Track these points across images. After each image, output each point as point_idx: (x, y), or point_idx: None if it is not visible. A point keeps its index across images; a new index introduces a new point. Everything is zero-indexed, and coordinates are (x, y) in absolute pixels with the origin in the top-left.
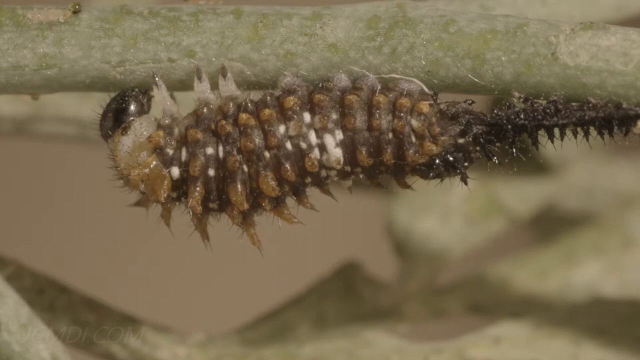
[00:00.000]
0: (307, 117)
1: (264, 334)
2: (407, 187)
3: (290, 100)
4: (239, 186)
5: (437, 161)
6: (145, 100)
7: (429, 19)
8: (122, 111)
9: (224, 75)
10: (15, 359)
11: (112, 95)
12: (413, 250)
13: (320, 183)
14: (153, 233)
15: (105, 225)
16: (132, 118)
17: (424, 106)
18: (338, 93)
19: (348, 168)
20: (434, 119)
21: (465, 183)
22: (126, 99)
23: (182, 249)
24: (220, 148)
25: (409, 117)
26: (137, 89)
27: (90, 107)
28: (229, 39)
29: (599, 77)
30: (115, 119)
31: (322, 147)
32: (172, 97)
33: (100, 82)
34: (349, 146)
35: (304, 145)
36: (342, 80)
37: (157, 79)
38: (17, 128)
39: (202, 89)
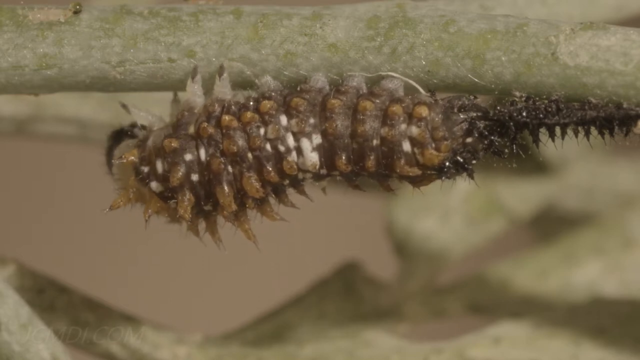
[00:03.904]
0: (284, 119)
1: (264, 334)
2: (391, 190)
3: (267, 104)
4: (225, 187)
5: (448, 164)
6: (135, 129)
7: (429, 19)
8: (111, 149)
9: (220, 75)
10: (15, 359)
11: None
12: (413, 250)
13: (297, 184)
14: (153, 233)
15: (105, 225)
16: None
17: (423, 110)
18: (316, 95)
19: (324, 171)
20: (437, 121)
21: (472, 178)
22: (112, 136)
23: (182, 249)
24: (202, 151)
25: (403, 125)
26: (125, 126)
27: (90, 107)
28: (229, 39)
29: (599, 77)
30: (109, 158)
31: (299, 151)
32: (176, 100)
33: (100, 82)
34: (328, 151)
35: (282, 148)
36: (319, 81)
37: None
38: (17, 128)
39: (194, 90)
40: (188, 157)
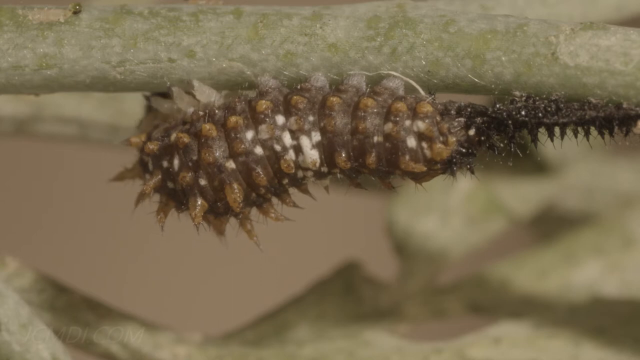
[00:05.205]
0: (280, 119)
1: (264, 334)
2: (392, 188)
3: (263, 104)
4: (198, 200)
5: (454, 156)
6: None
7: (429, 19)
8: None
9: (192, 87)
10: (15, 359)
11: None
12: (413, 250)
13: (298, 183)
14: (153, 233)
15: (105, 225)
16: None
17: (427, 106)
18: (317, 93)
19: (325, 169)
20: (438, 118)
21: (473, 172)
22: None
23: (182, 249)
24: (176, 161)
25: (408, 121)
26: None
27: (90, 107)
28: (229, 39)
29: (599, 77)
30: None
31: (298, 149)
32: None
33: (100, 82)
34: (327, 148)
35: (278, 147)
36: (319, 80)
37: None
38: (17, 128)
39: (186, 101)
40: (165, 164)
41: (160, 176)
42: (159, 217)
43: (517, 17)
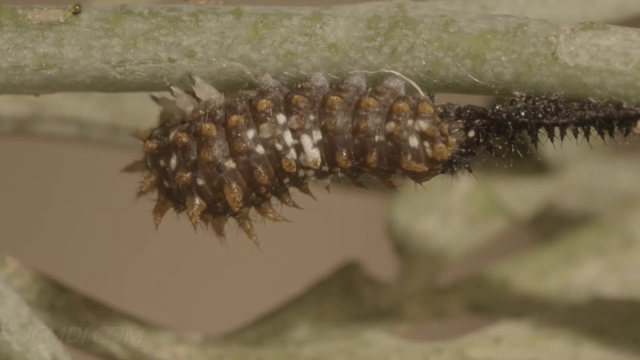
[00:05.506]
0: (281, 118)
1: (264, 334)
2: (393, 187)
3: (264, 103)
4: (196, 200)
5: (455, 155)
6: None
7: (429, 19)
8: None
9: (193, 84)
10: (15, 359)
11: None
12: (413, 250)
13: (299, 183)
14: (153, 233)
15: (105, 225)
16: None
17: (428, 107)
18: (317, 92)
19: (326, 168)
20: (438, 119)
21: (471, 171)
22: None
23: (182, 249)
24: (174, 160)
25: (410, 120)
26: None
27: (90, 107)
28: (229, 39)
29: (599, 77)
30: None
31: (299, 148)
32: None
33: (100, 82)
34: (328, 147)
35: (279, 146)
36: (320, 79)
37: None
38: (17, 128)
39: (183, 102)
40: (162, 163)
41: (157, 175)
42: (155, 215)
43: (517, 17)
